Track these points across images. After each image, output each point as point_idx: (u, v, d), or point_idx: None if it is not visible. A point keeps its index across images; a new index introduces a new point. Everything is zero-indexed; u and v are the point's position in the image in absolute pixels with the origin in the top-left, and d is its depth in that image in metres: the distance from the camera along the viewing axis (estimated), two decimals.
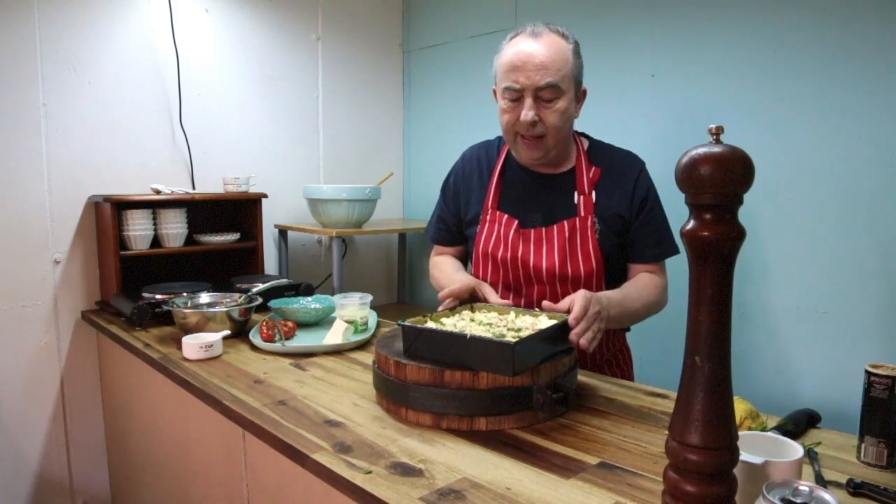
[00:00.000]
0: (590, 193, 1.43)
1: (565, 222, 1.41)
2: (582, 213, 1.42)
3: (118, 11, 2.12)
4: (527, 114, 1.33)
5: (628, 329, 1.60)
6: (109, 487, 2.22)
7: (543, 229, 1.43)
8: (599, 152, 1.49)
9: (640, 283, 1.43)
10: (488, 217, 1.49)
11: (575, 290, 1.39)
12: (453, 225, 1.61)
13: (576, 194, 1.44)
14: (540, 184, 1.48)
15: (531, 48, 1.32)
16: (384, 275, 3.07)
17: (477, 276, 1.54)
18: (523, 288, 1.46)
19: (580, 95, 1.42)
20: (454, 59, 2.79)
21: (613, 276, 1.45)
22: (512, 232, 1.44)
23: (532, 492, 0.86)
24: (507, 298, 1.47)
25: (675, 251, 1.44)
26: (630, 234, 1.44)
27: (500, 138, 1.59)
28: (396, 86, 3.02)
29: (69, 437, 2.13)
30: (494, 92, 1.45)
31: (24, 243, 2.00)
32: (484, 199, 1.52)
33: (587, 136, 1.54)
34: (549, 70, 1.31)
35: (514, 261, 1.44)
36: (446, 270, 1.56)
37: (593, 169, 1.45)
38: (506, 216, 1.46)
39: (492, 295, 1.37)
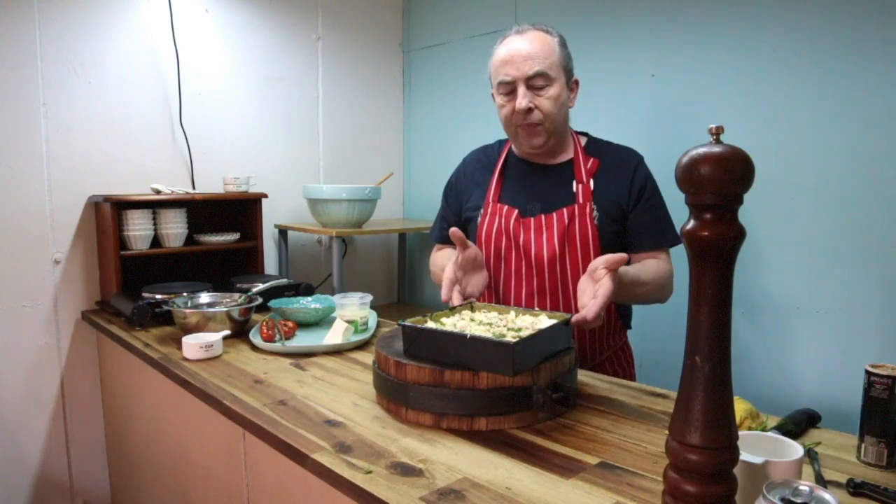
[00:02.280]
0: (588, 182, 1.47)
1: (564, 210, 1.44)
2: (580, 201, 1.45)
3: (118, 11, 2.12)
4: (521, 101, 1.40)
5: (629, 326, 1.61)
6: (109, 487, 2.22)
7: (543, 216, 1.46)
8: (597, 146, 1.54)
9: (649, 263, 1.44)
10: (489, 210, 1.53)
11: (575, 277, 1.42)
12: (455, 223, 1.63)
13: (574, 183, 1.47)
14: (539, 174, 1.52)
15: (518, 44, 1.41)
16: (384, 275, 3.07)
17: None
18: (524, 277, 1.48)
19: (572, 85, 1.48)
20: (454, 59, 2.79)
21: None
22: (512, 220, 1.48)
23: (532, 492, 0.86)
24: (508, 290, 1.50)
25: (676, 241, 1.46)
26: (629, 223, 1.47)
27: (499, 141, 1.62)
28: (396, 86, 3.02)
29: (69, 437, 2.13)
30: (493, 96, 1.50)
31: (24, 243, 2.00)
32: (485, 193, 1.55)
33: (586, 134, 1.57)
34: (537, 59, 1.39)
35: (516, 249, 1.47)
36: (441, 264, 1.58)
37: (591, 160, 1.50)
38: (506, 207, 1.50)
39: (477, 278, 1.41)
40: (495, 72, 1.44)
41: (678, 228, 0.71)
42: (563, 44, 1.45)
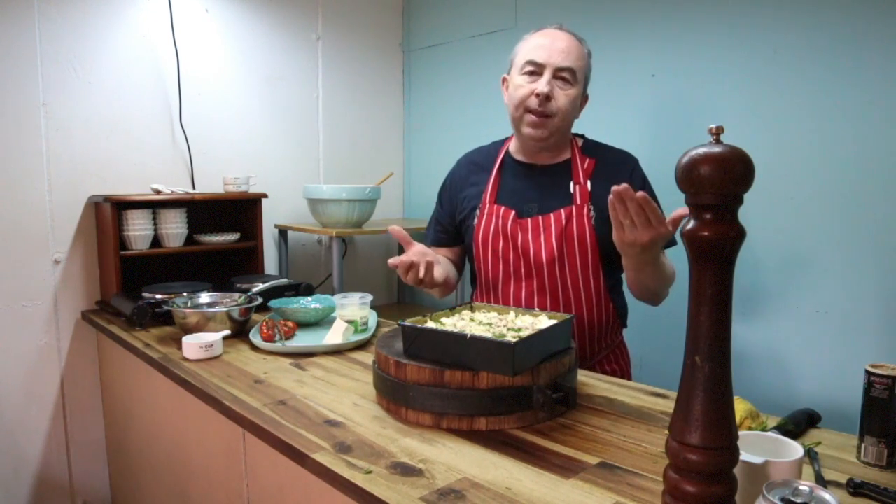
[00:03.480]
0: (585, 183, 1.47)
1: (562, 210, 1.45)
2: (578, 202, 1.45)
3: (118, 11, 2.12)
4: (543, 86, 1.40)
5: (625, 325, 1.61)
6: (109, 487, 2.22)
7: (540, 217, 1.46)
8: (593, 148, 1.55)
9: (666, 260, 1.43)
10: (486, 210, 1.52)
11: (573, 278, 1.45)
12: (449, 225, 1.64)
13: (571, 184, 1.48)
14: (536, 175, 1.52)
15: (558, 35, 1.43)
16: (384, 275, 3.07)
17: (477, 267, 1.57)
18: (523, 278, 1.48)
19: (583, 99, 1.50)
20: (454, 59, 2.79)
21: (609, 263, 1.47)
22: (510, 221, 1.47)
23: (532, 492, 0.86)
24: (507, 289, 1.49)
25: (673, 242, 1.46)
26: None
27: (493, 143, 1.62)
28: (396, 86, 3.02)
29: (69, 437, 2.13)
30: (504, 81, 1.51)
31: (24, 243, 2.00)
32: (481, 194, 1.55)
33: (582, 136, 1.58)
34: (571, 56, 1.41)
35: (514, 250, 1.47)
36: None
37: (587, 160, 1.50)
38: (503, 207, 1.50)
39: (437, 269, 1.37)
40: (527, 51, 1.43)
41: (678, 229, 0.71)
42: (590, 55, 1.48)
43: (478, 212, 1.54)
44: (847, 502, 0.83)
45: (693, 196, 0.66)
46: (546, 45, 1.41)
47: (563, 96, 1.41)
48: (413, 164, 3.06)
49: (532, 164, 1.53)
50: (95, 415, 2.18)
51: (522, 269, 1.47)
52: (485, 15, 2.63)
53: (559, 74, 1.40)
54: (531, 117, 1.43)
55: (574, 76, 1.41)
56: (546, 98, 1.40)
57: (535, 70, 1.41)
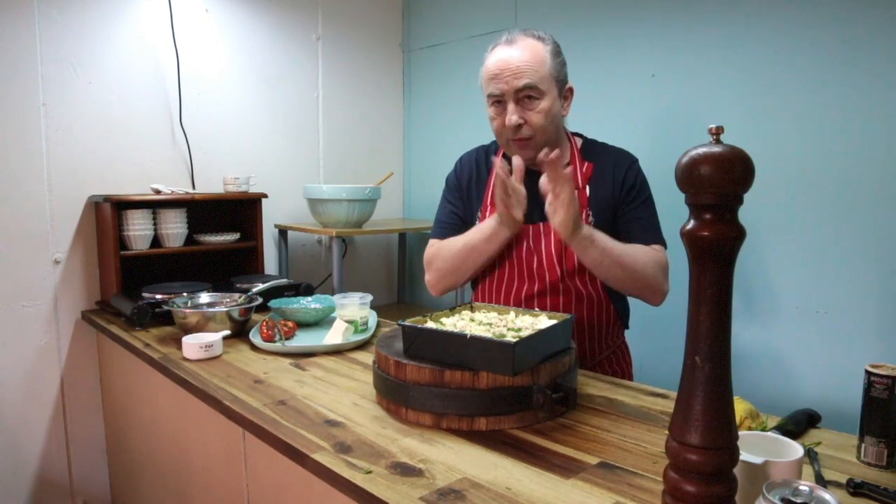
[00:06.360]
0: (584, 188, 1.46)
1: None
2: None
3: (118, 11, 2.12)
4: (510, 118, 1.37)
5: (627, 326, 1.61)
6: (109, 487, 2.22)
7: (541, 224, 1.45)
8: (592, 149, 1.52)
9: (636, 245, 1.41)
10: (488, 213, 1.51)
11: (573, 281, 1.44)
12: (458, 223, 1.58)
13: None
14: (536, 181, 1.48)
15: (507, 55, 1.37)
16: (384, 275, 3.07)
17: (477, 273, 1.55)
18: (525, 282, 1.48)
19: (566, 93, 1.45)
20: (454, 59, 2.79)
21: None
22: None
23: (532, 492, 0.86)
24: (510, 292, 1.50)
25: (661, 244, 1.45)
26: (618, 220, 1.45)
27: (494, 143, 1.61)
28: (396, 86, 3.02)
29: (69, 437, 2.13)
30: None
31: (24, 243, 2.00)
32: (482, 196, 1.54)
33: (581, 136, 1.57)
34: (526, 73, 1.35)
35: (517, 252, 1.47)
36: (456, 242, 1.51)
37: (586, 164, 1.49)
38: None
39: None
40: (485, 84, 1.42)
41: (678, 228, 0.70)
42: (555, 52, 1.41)
43: (480, 214, 1.53)
44: (847, 502, 0.83)
45: (693, 196, 0.66)
46: (498, 72, 1.36)
47: (533, 115, 1.37)
48: (413, 164, 3.06)
49: (531, 171, 1.48)
50: (95, 415, 2.18)
51: (525, 272, 1.47)
52: (485, 15, 2.63)
53: (521, 95, 1.36)
54: (514, 144, 1.42)
55: (538, 90, 1.36)
56: (517, 127, 1.38)
57: (499, 100, 1.39)
